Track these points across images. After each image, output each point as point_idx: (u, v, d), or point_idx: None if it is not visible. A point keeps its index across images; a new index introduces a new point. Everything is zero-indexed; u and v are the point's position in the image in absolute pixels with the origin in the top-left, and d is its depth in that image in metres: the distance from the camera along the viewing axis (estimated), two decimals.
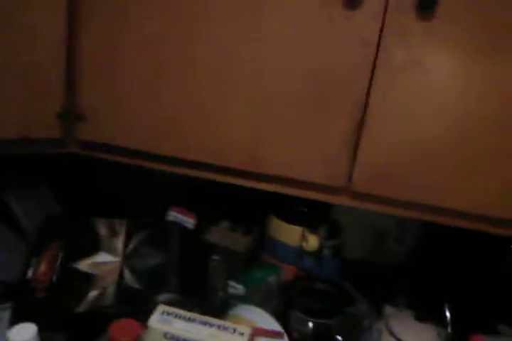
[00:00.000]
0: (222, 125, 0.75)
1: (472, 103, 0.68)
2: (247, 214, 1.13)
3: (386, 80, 0.69)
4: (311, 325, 0.82)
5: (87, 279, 0.76)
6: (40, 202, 1.06)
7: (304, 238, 0.98)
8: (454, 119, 0.70)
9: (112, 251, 0.84)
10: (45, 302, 0.72)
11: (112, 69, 0.76)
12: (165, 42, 0.73)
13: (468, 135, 0.70)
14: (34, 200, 1.04)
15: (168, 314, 0.69)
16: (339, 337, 0.85)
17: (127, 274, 0.81)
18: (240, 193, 1.08)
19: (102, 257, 0.81)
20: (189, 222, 1.10)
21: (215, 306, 0.87)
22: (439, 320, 0.81)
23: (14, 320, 0.68)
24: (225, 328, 0.68)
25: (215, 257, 0.97)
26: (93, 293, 0.76)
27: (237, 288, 0.91)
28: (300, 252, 0.98)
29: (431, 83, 0.68)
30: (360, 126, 0.71)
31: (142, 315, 0.69)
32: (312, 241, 0.97)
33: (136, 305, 0.76)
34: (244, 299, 0.89)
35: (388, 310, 0.91)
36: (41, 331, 0.63)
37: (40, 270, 0.79)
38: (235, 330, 0.68)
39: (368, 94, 0.69)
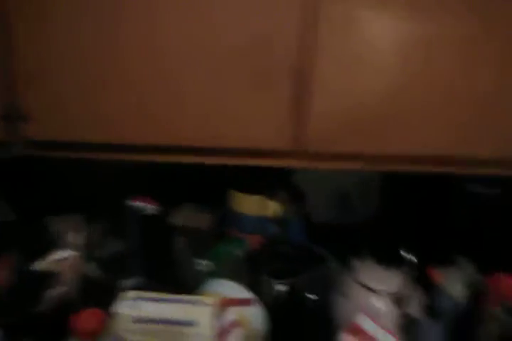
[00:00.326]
0: (175, 105, 0.76)
1: (411, 63, 0.72)
2: (209, 193, 1.13)
3: (324, 43, 0.71)
4: (280, 286, 0.83)
5: (47, 278, 0.75)
6: None
7: (264, 206, 0.99)
8: (391, 77, 0.73)
9: (70, 246, 0.83)
10: (5, 307, 0.72)
11: (50, 67, 0.74)
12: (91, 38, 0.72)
13: (405, 90, 0.73)
14: None
15: (134, 298, 0.69)
16: (312, 296, 0.87)
17: (90, 266, 0.81)
18: (200, 173, 1.09)
19: (60, 254, 0.80)
20: (151, 208, 1.09)
21: (185, 285, 0.88)
22: (402, 264, 0.83)
23: None
24: (190, 301, 0.69)
25: (181, 238, 0.98)
26: (56, 291, 0.75)
27: (205, 264, 0.92)
28: (263, 220, 0.99)
29: (367, 45, 0.71)
30: (304, 89, 0.73)
31: (110, 303, 0.69)
32: (273, 208, 0.98)
33: (103, 295, 0.76)
34: (215, 274, 0.90)
35: (355, 262, 0.93)
36: (7, 336, 0.63)
37: None
38: (199, 302, 0.69)
39: (306, 58, 0.71)
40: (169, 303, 0.69)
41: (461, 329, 0.64)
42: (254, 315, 0.78)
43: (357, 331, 0.71)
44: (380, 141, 0.78)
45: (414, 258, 0.80)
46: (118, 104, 0.76)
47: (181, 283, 0.90)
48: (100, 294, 0.76)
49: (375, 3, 0.69)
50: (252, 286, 0.82)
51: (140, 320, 0.67)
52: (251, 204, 1.00)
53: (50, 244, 0.82)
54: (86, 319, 0.65)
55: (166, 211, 1.10)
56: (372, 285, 0.83)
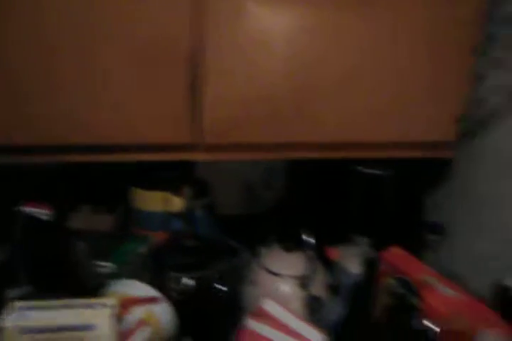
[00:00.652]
0: (63, 102, 0.73)
1: (298, 51, 0.75)
2: (108, 193, 1.08)
3: (215, 34, 0.72)
4: (187, 280, 0.82)
5: None
6: None
7: (167, 201, 0.96)
8: (284, 66, 0.75)
9: None
10: None
11: None
12: None
13: (296, 79, 0.76)
14: None
15: (22, 308, 0.64)
16: (223, 287, 0.87)
17: None
18: (97, 172, 1.03)
19: None
20: (44, 213, 1.01)
21: (87, 289, 0.82)
22: (304, 247, 0.86)
23: None
24: (89, 305, 0.65)
25: (78, 242, 0.92)
26: None
27: (107, 266, 0.87)
28: (167, 217, 0.96)
29: (260, 28, 0.73)
30: (199, 80, 0.74)
31: None
32: (176, 203, 0.96)
33: None
34: (118, 275, 0.86)
35: (261, 249, 0.94)
36: None
37: None
38: (98, 304, 0.65)
39: (199, 47, 0.72)
40: (62, 309, 0.64)
41: (358, 302, 0.68)
42: (162, 313, 0.75)
43: (262, 315, 0.72)
44: (278, 130, 0.81)
45: (313, 240, 0.83)
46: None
47: (83, 287, 0.84)
48: None
49: None
50: (158, 283, 0.80)
51: (30, 331, 0.61)
52: (154, 201, 0.97)
53: None
54: None
55: (62, 215, 1.02)
56: (277, 270, 0.85)
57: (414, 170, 1.00)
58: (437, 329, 0.60)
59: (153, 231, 0.97)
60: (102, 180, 1.05)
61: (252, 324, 0.69)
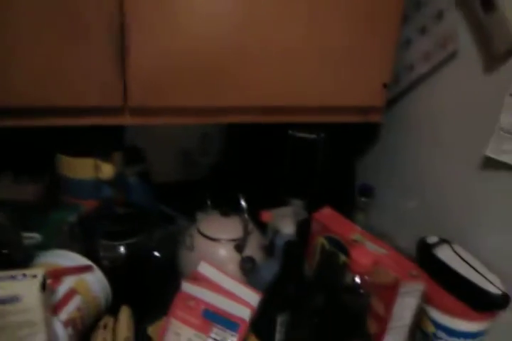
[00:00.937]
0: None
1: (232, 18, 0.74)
2: (33, 160, 1.01)
3: None
4: (119, 248, 0.80)
5: None
6: None
7: (97, 168, 0.92)
8: (212, 30, 0.74)
9: None
10: None
11: None
12: None
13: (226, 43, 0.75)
14: None
15: None
16: (156, 253, 0.86)
17: None
18: (21, 138, 0.96)
19: None
20: None
21: (12, 263, 0.78)
22: (240, 211, 0.87)
23: None
24: (14, 277, 0.62)
25: (0, 213, 0.86)
26: None
27: (34, 237, 0.83)
28: (97, 184, 0.93)
29: None
30: (125, 43, 0.71)
31: None
32: (106, 170, 0.92)
33: None
34: (47, 245, 0.82)
35: (198, 215, 0.94)
36: None
37: None
38: (25, 275, 0.62)
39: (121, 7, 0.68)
40: None
41: (289, 261, 0.70)
42: (94, 281, 0.74)
43: (198, 278, 0.73)
44: (205, 94, 0.79)
45: (245, 204, 0.84)
46: None
47: (8, 261, 0.80)
48: None
49: None
50: (90, 252, 0.78)
51: None
52: (83, 168, 0.93)
53: None
54: None
55: None
56: (213, 235, 0.85)
57: (346, 135, 1.03)
58: (363, 282, 0.64)
59: (84, 200, 0.93)
60: (25, 147, 0.98)
61: (188, 287, 0.70)
